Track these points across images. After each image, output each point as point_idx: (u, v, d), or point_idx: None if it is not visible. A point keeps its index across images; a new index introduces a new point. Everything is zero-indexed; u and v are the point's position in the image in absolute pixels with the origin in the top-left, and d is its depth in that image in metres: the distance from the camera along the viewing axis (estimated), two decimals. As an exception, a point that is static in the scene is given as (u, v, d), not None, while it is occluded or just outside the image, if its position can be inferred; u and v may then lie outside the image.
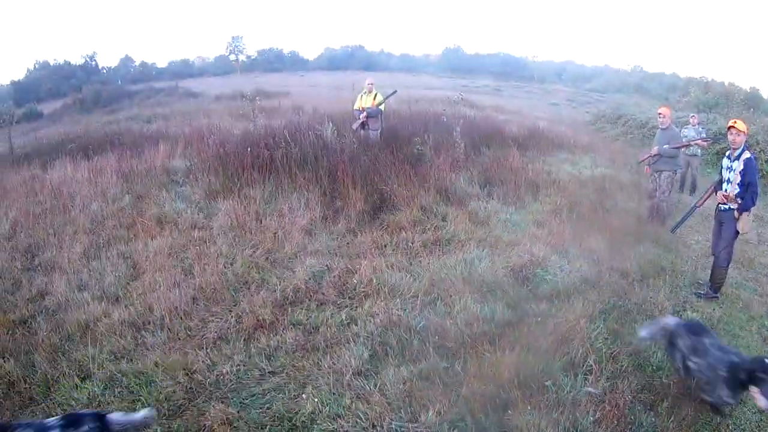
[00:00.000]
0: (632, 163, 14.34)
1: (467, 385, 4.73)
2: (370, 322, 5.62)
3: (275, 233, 7.78)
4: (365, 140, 12.13)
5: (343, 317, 5.79)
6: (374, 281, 6.36)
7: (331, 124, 11.88)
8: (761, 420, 4.89)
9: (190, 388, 4.81)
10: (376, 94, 12.54)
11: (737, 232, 7.19)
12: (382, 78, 50.22)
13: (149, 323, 5.74)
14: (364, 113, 12.32)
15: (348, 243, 7.85)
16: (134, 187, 9.96)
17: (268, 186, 9.45)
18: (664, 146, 9.94)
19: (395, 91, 13.97)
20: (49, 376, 4.99)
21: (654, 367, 5.40)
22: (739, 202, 7.02)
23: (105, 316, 5.89)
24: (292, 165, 9.74)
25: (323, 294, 6.28)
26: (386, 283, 6.34)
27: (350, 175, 9.24)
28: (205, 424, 4.41)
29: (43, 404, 4.71)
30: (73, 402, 4.66)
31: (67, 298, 6.36)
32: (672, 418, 4.65)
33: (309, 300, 6.14)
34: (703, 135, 13.87)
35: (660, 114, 10.43)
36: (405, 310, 5.84)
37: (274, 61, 78.82)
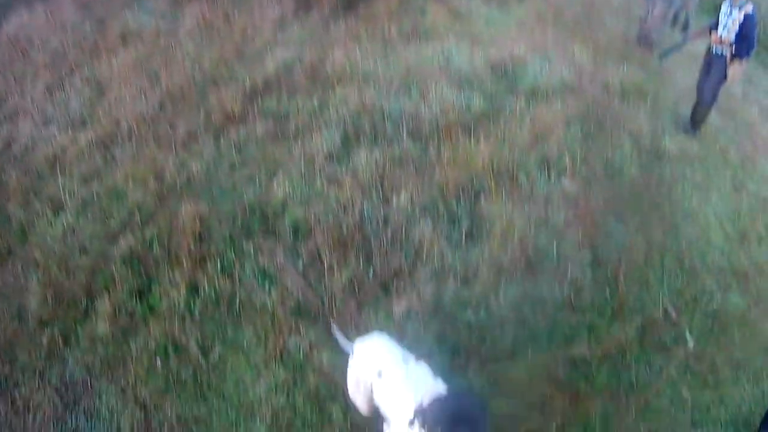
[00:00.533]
0: None
1: (440, 172, 4.72)
2: (343, 107, 5.46)
3: (244, 29, 7.36)
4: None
5: (315, 104, 5.61)
6: (348, 68, 6.11)
7: None
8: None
9: (161, 192, 4.76)
10: None
11: (724, 78, 7.08)
12: None
13: (117, 138, 5.54)
14: None
15: (321, 33, 7.45)
16: (95, 13, 9.09)
17: None
18: None
19: None
20: (23, 222, 4.91)
21: (627, 180, 5.46)
22: (733, 48, 6.88)
23: (72, 144, 5.66)
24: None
25: (294, 82, 6.05)
26: (360, 70, 6.11)
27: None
28: (176, 225, 4.41)
29: (21, 253, 4.68)
30: (49, 239, 4.63)
31: (33, 138, 6.04)
32: (640, 233, 4.83)
33: (280, 89, 5.91)
34: (755, 20, 13.27)
35: None
36: (379, 95, 5.64)
37: None
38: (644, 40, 9.70)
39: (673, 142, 6.75)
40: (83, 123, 6.08)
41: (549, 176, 5.02)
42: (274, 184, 4.67)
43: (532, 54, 7.19)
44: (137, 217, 4.60)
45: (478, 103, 5.70)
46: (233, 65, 6.57)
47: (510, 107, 5.88)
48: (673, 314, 4.52)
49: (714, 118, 7.84)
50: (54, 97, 6.81)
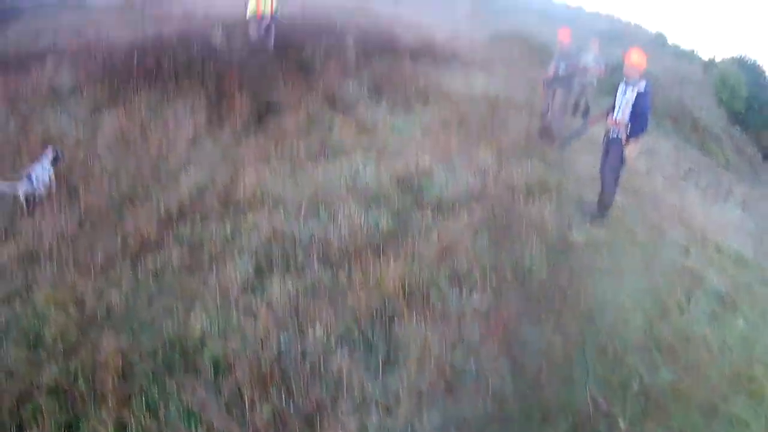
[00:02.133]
0: (527, 83, 14.52)
1: (352, 297, 4.75)
2: (254, 234, 5.51)
3: (160, 144, 7.44)
4: (262, 46, 11.65)
5: (228, 231, 5.64)
6: (258, 191, 6.21)
7: (220, 30, 11.32)
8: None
9: (81, 321, 4.64)
10: None
11: (624, 159, 7.36)
12: None
13: (39, 255, 5.42)
14: (263, 19, 11.82)
15: (233, 151, 7.61)
16: (19, 109, 9.11)
17: (154, 94, 8.94)
18: (560, 66, 10.09)
19: None
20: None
21: (537, 282, 5.56)
22: (628, 128, 7.18)
23: None
24: (179, 72, 9.27)
25: (207, 207, 6.09)
26: (270, 193, 6.21)
27: (236, 80, 8.89)
28: (99, 359, 4.29)
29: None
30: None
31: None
32: (557, 332, 4.89)
33: (194, 214, 5.93)
34: (602, 64, 14.02)
35: (559, 35, 10.53)
36: (289, 220, 5.73)
37: None
38: (546, 133, 10.11)
39: (579, 233, 7.02)
40: (6, 235, 5.94)
41: (460, 291, 5.07)
42: (192, 317, 4.58)
43: (438, 164, 7.46)
44: (60, 346, 4.44)
45: (385, 221, 5.83)
46: (149, 184, 6.57)
47: (417, 223, 6.02)
48: (603, 405, 4.49)
49: (620, 198, 8.13)
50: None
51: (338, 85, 10.17)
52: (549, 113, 10.36)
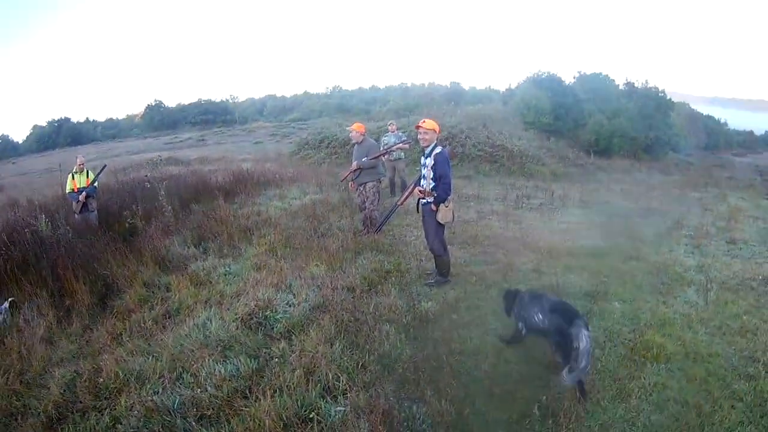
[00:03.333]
0: (339, 183, 15.46)
1: None
2: (132, 416, 5.63)
3: (19, 352, 7.46)
4: (87, 223, 11.96)
5: (107, 421, 5.71)
6: (120, 374, 6.38)
7: (44, 217, 11.42)
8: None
9: None
10: (88, 172, 12.41)
11: (439, 223, 7.91)
12: (90, 151, 47.82)
13: None
14: (83, 194, 12.11)
15: (87, 342, 7.77)
16: None
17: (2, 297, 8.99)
18: (363, 159, 10.75)
19: (105, 166, 14.02)
20: None
21: (404, 363, 5.99)
22: (434, 195, 7.74)
23: None
24: (17, 272, 9.41)
25: (81, 402, 6.15)
26: (132, 372, 6.40)
27: (70, 268, 9.13)
28: None
29: None
30: None
31: None
32: (443, 401, 5.25)
33: (72, 413, 5.97)
34: (404, 139, 15.19)
35: (351, 131, 11.29)
36: (157, 393, 5.93)
37: None
38: (369, 223, 10.81)
39: (432, 301, 7.64)
40: None
41: (335, 401, 5.44)
42: None
43: (276, 292, 7.95)
44: None
45: (245, 364, 6.19)
46: (22, 393, 6.56)
47: (275, 354, 6.44)
48: None
49: (460, 253, 9.20)
50: None
51: (164, 247, 10.58)
52: (367, 204, 10.98)
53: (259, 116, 74.30)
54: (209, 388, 5.87)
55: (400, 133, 16.02)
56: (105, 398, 6.19)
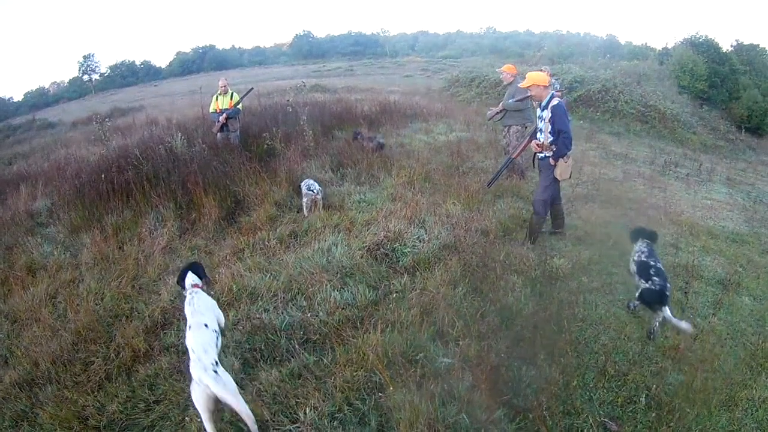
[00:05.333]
0: (487, 123, 14.68)
1: (338, 375, 4.72)
2: (237, 330, 5.50)
3: (137, 258, 7.49)
4: (226, 143, 11.91)
5: None
6: (234, 288, 6.22)
7: (180, 135, 11.54)
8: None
9: None
10: (232, 94, 12.32)
11: (555, 180, 7.28)
12: (235, 75, 49.60)
13: (39, 378, 5.43)
14: (223, 115, 12.07)
15: (208, 253, 7.69)
16: (2, 239, 9.36)
17: (127, 211, 9.13)
18: (509, 101, 10.17)
19: (252, 89, 13.98)
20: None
21: (525, 319, 5.50)
22: (553, 149, 7.13)
23: None
24: (145, 184, 9.44)
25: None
26: (246, 288, 6.23)
27: (200, 184, 9.04)
28: None
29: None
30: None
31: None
32: (553, 365, 4.82)
33: (177, 320, 5.94)
34: (557, 87, 14.25)
35: (501, 72, 10.74)
36: (267, 311, 5.74)
37: (128, 75, 78.26)
38: (511, 167, 10.16)
39: (564, 258, 6.97)
40: (6, 361, 5.92)
41: (446, 346, 5.04)
42: (186, 419, 4.59)
43: (408, 226, 7.49)
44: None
45: (362, 294, 5.84)
46: (132, 297, 6.61)
47: (395, 288, 6.04)
48: (613, 427, 4.40)
49: (600, 212, 8.47)
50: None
51: (301, 170, 10.33)
52: (510, 148, 10.36)
53: (410, 51, 74.26)
54: (321, 314, 5.58)
55: (554, 80, 14.88)
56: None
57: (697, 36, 36.05)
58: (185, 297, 4.84)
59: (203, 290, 5.03)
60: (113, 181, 9.63)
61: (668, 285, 5.63)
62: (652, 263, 5.86)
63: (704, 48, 34.30)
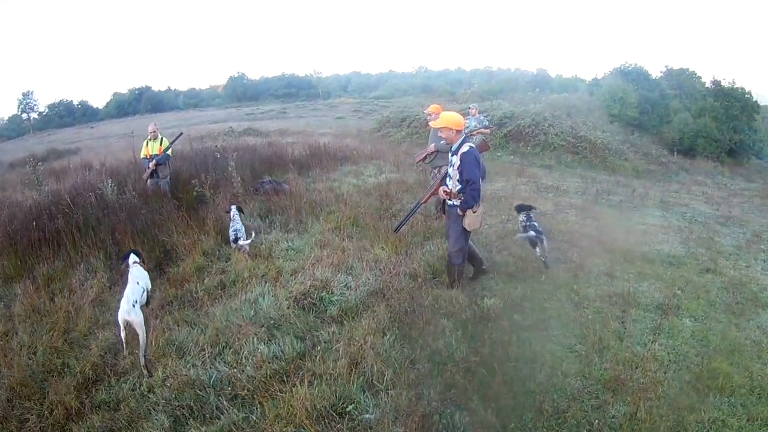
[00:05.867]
0: (416, 164, 14.72)
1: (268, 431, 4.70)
2: (165, 387, 5.44)
3: (67, 311, 7.31)
4: (155, 190, 11.85)
5: (143, 388, 5.56)
6: (163, 343, 6.21)
7: (110, 182, 11.44)
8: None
9: None
10: (162, 139, 12.24)
11: (465, 230, 7.01)
12: (170, 118, 49.00)
13: None
14: (153, 161, 12.01)
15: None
16: None
17: (58, 261, 8.97)
18: (441, 142, 9.78)
19: (181, 134, 14.01)
20: None
21: (456, 364, 5.46)
22: (461, 198, 6.82)
23: None
24: (75, 233, 9.33)
25: (120, 366, 6.06)
26: (173, 342, 6.23)
27: (129, 233, 9.02)
28: None
29: None
30: None
31: None
32: (488, 409, 4.86)
33: (109, 376, 5.86)
34: (486, 123, 14.57)
35: (429, 113, 10.72)
36: (195, 366, 5.71)
37: (65, 115, 77.41)
38: (441, 207, 9.90)
39: (495, 297, 7.03)
40: None
41: (376, 397, 5.03)
42: None
43: (334, 273, 7.55)
44: None
45: (290, 346, 5.86)
46: (63, 351, 6.47)
47: (323, 338, 6.07)
48: None
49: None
50: None
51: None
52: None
53: (343, 92, 74.92)
54: (248, 368, 5.57)
55: (482, 117, 15.30)
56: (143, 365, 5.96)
57: (627, 65, 37.56)
58: (128, 270, 6.90)
59: (140, 265, 7.07)
60: (44, 229, 9.50)
61: (541, 233, 8.37)
62: (530, 224, 8.55)
63: (634, 76, 35.72)
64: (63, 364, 6.27)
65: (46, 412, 5.40)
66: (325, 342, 6.02)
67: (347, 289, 7.23)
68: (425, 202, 8.11)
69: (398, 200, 11.97)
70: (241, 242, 8.75)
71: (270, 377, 5.39)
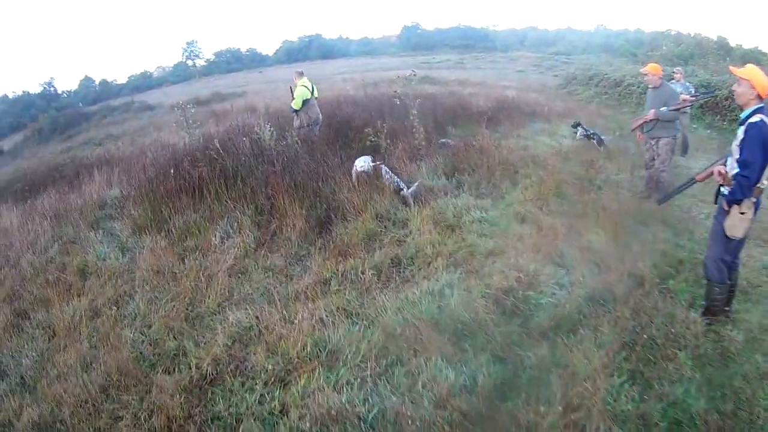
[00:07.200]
0: (613, 125, 13.42)
1: None
2: (306, 414, 3.91)
3: (197, 278, 6.11)
4: (310, 136, 10.68)
5: (275, 404, 4.08)
6: (310, 342, 4.64)
7: (269, 126, 9.98)
8: None
9: None
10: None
11: (725, 236, 4.83)
12: (341, 65, 49.29)
13: (59, 425, 4.25)
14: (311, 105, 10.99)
15: (287, 277, 6.15)
16: (65, 230, 8.39)
17: (199, 211, 7.81)
18: (662, 109, 8.23)
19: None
20: None
21: (694, 420, 3.76)
22: (732, 184, 4.72)
23: (16, 418, 4.46)
24: (219, 182, 8.10)
25: (247, 363, 4.60)
26: (324, 344, 4.64)
27: (285, 186, 7.58)
28: None
29: None
30: None
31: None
32: None
33: (231, 377, 4.45)
34: (692, 90, 12.27)
35: (646, 73, 8.73)
36: (351, 386, 4.10)
37: (232, 62, 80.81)
38: (655, 185, 8.57)
39: (730, 324, 4.90)
40: (30, 391, 4.81)
41: None
42: None
43: (544, 262, 5.71)
44: None
45: (485, 372, 4.12)
46: (181, 332, 5.22)
47: (529, 363, 4.27)
48: None
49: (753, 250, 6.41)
50: (12, 340, 5.70)
51: (409, 173, 8.72)
52: (657, 163, 8.58)
53: (520, 46, 72.60)
54: (425, 402, 3.88)
55: (688, 83, 12.83)
56: (279, 368, 4.51)
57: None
58: None
59: None
60: (184, 177, 8.37)
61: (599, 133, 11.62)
62: (589, 132, 11.97)
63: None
64: (178, 348, 5.03)
65: (144, 415, 4.24)
66: (530, 368, 4.22)
67: (559, 287, 5.33)
68: (701, 180, 5.47)
69: (602, 169, 9.87)
70: (404, 192, 7.59)
71: (453, 424, 3.68)
